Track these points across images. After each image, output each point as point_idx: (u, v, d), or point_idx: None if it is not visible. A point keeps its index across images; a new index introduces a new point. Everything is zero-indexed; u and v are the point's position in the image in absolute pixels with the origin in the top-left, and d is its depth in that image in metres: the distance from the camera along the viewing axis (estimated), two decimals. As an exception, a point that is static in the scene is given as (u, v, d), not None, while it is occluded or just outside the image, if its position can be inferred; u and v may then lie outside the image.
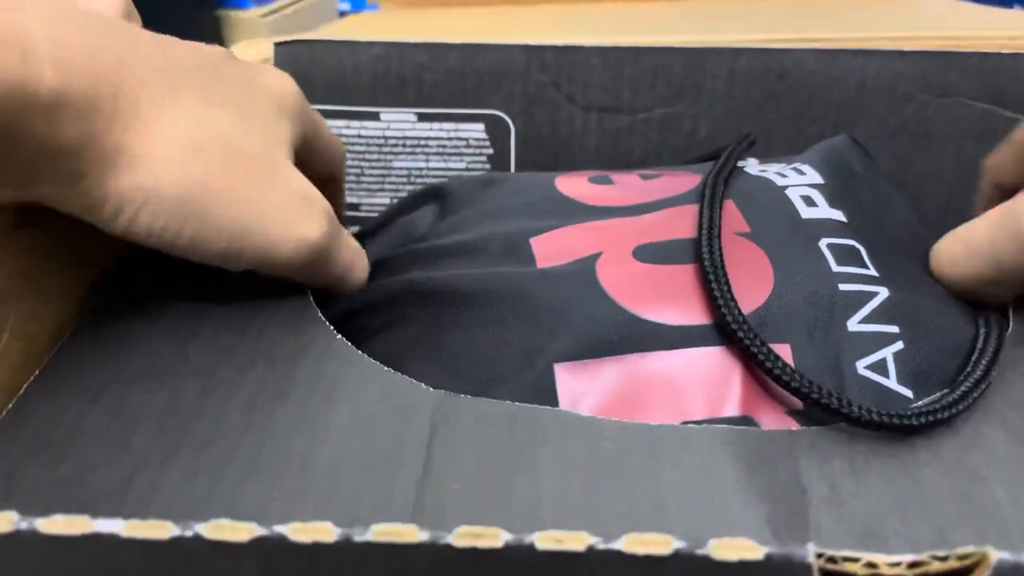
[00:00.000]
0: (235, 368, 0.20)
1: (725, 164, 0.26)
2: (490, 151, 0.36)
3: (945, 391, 0.19)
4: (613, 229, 0.24)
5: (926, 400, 0.20)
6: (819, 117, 0.34)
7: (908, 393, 0.20)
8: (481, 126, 0.36)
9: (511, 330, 0.22)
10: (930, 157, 0.34)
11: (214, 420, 0.19)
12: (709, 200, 0.24)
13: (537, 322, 0.21)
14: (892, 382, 0.21)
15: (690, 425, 0.19)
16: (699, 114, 0.35)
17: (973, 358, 0.20)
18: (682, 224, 0.24)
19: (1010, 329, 0.22)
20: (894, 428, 0.18)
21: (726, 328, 0.20)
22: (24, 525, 0.15)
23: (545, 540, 0.14)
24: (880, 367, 0.21)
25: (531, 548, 0.14)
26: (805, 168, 0.27)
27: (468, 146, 0.36)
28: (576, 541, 0.14)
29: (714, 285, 0.21)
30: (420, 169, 0.36)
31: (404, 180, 0.37)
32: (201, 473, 0.17)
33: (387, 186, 0.37)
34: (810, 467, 0.18)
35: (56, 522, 0.15)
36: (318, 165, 0.27)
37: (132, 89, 0.19)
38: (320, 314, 0.23)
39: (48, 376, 0.20)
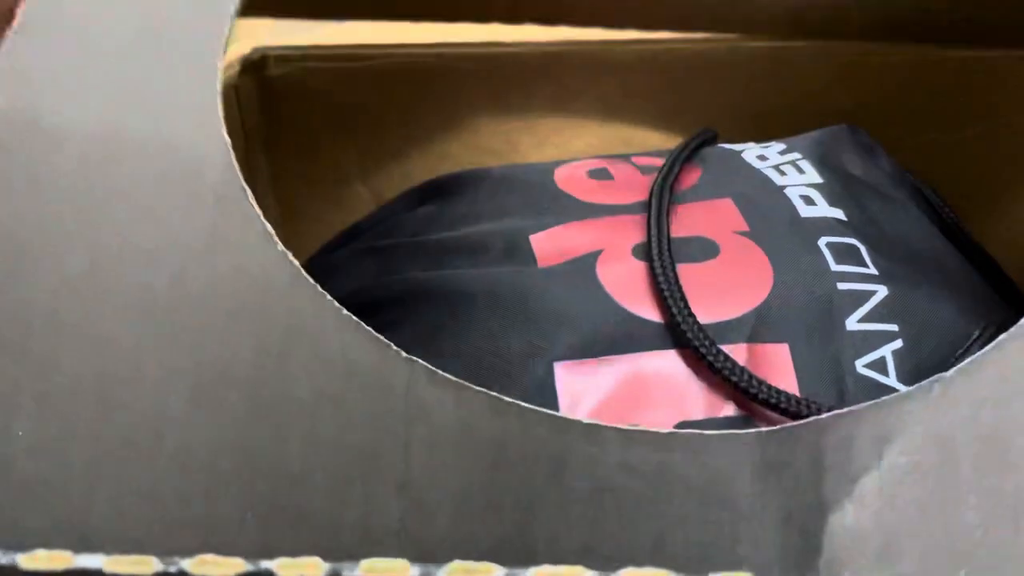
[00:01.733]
0: None
1: (669, 173, 0.25)
2: None
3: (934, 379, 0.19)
4: (613, 226, 0.24)
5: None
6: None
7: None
8: None
9: (511, 330, 0.21)
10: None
11: None
12: (656, 213, 0.23)
13: (537, 322, 0.21)
14: (892, 380, 0.20)
15: (692, 429, 0.18)
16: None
17: (958, 354, 0.20)
18: (678, 222, 0.24)
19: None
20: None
21: (686, 343, 0.20)
22: (4, 560, 0.14)
23: None
24: (879, 365, 0.21)
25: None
26: (804, 165, 0.27)
27: None
28: None
29: (674, 306, 0.21)
30: None
31: None
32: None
33: None
34: (833, 479, 0.15)
35: (37, 557, 0.14)
36: None
37: None
38: None
39: None
